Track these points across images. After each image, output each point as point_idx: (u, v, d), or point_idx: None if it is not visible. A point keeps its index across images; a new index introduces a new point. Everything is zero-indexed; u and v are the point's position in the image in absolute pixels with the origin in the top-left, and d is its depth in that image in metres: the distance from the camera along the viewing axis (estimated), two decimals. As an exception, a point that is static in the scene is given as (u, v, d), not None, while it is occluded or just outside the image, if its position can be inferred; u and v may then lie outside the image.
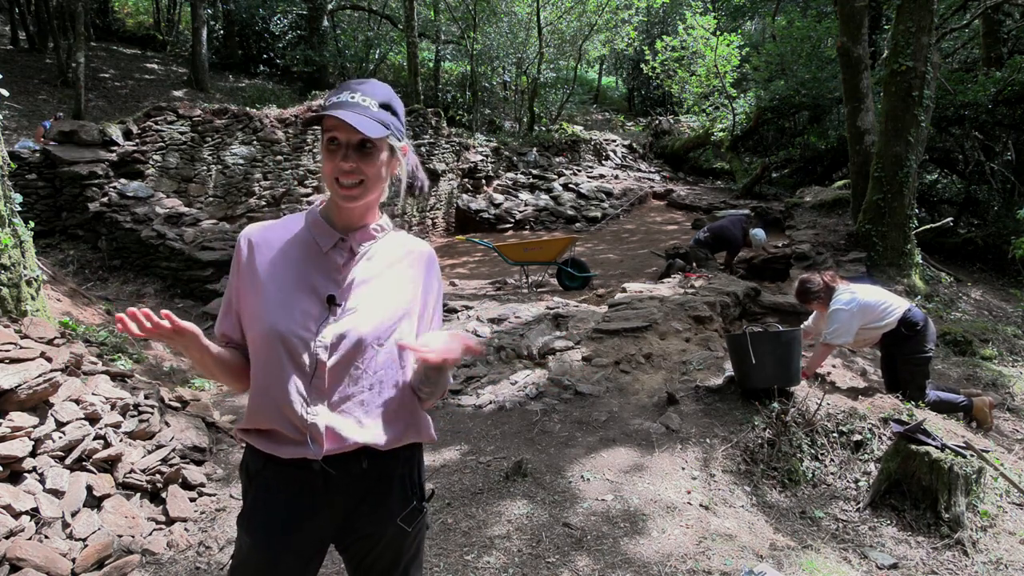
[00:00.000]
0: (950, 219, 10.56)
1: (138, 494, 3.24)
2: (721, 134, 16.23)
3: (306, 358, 1.43)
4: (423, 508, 1.57)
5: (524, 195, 14.71)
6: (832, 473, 3.70)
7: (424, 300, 1.58)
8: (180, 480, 3.44)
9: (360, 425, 1.46)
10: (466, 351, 1.44)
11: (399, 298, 1.52)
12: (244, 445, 1.56)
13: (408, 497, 1.54)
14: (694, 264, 8.35)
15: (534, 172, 15.60)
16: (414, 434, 1.56)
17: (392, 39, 21.07)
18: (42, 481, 2.94)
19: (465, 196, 14.39)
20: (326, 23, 19.66)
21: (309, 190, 11.15)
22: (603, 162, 17.54)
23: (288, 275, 1.48)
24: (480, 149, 14.94)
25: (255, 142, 10.25)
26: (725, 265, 8.72)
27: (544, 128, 18.47)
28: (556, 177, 15.61)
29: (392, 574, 1.57)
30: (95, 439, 3.25)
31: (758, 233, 8.58)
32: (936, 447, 3.41)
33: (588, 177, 16.07)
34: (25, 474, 2.92)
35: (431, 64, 20.75)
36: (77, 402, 3.31)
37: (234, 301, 1.54)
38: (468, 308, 6.33)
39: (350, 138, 1.40)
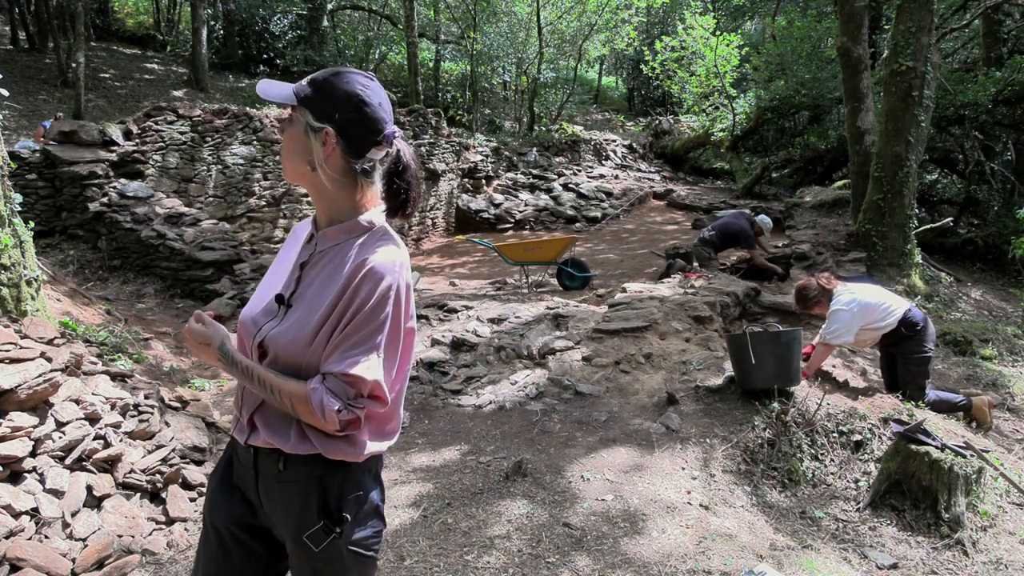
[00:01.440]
0: (950, 219, 10.56)
1: (138, 494, 3.24)
2: (721, 134, 16.22)
3: (247, 353, 1.50)
4: (333, 532, 1.45)
5: (524, 195, 14.71)
6: (832, 473, 3.70)
7: (338, 313, 1.40)
8: (180, 480, 3.44)
9: (267, 426, 1.48)
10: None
11: (323, 312, 1.41)
12: None
13: (318, 514, 1.45)
14: (695, 264, 8.33)
15: (534, 172, 15.60)
16: (321, 449, 1.45)
17: (392, 39, 21.07)
18: (42, 481, 2.94)
19: (465, 196, 14.39)
20: (326, 23, 19.67)
21: (309, 190, 11.15)
22: (603, 162, 17.53)
23: (280, 269, 1.55)
24: (480, 149, 14.94)
25: (255, 142, 10.24)
26: (741, 261, 8.63)
27: (544, 128, 18.47)
28: (556, 177, 15.61)
29: None
30: (95, 439, 3.25)
31: (765, 218, 8.50)
32: (936, 447, 3.41)
33: (588, 177, 16.06)
34: (25, 474, 2.92)
35: (431, 64, 20.74)
36: (77, 402, 3.31)
37: None
38: (468, 308, 6.33)
39: (281, 115, 1.44)
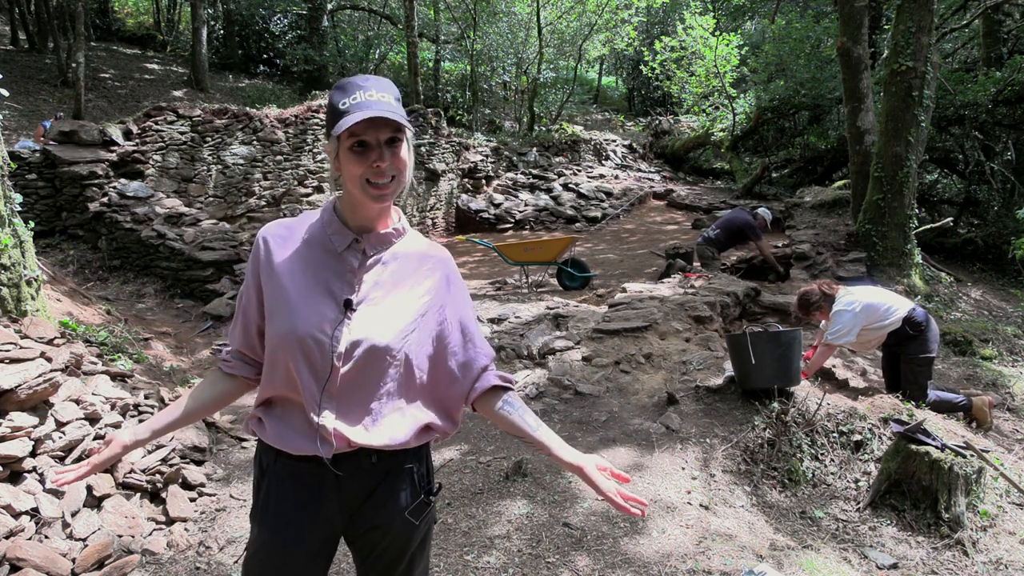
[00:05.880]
0: (950, 219, 10.57)
1: (138, 494, 3.24)
2: (721, 134, 16.22)
3: (320, 362, 1.42)
4: (430, 502, 1.58)
5: (524, 195, 14.70)
6: (832, 473, 3.70)
7: (443, 312, 1.54)
8: (180, 480, 3.44)
9: (370, 430, 1.46)
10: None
11: (414, 307, 1.50)
12: (256, 439, 1.57)
13: (416, 491, 1.55)
14: (695, 263, 8.32)
15: (534, 172, 15.60)
16: (425, 435, 1.55)
17: (392, 39, 21.06)
18: (42, 481, 2.94)
19: (465, 196, 14.38)
20: (326, 23, 19.64)
21: (309, 190, 11.14)
22: (603, 162, 17.53)
23: (305, 275, 1.47)
24: (480, 149, 14.93)
25: (255, 142, 10.24)
26: (741, 261, 8.60)
27: (544, 128, 18.46)
28: (556, 177, 15.60)
29: (398, 566, 1.57)
30: (95, 439, 3.25)
31: (765, 211, 8.46)
32: (936, 447, 3.41)
33: (588, 177, 16.06)
34: (25, 474, 2.92)
35: (431, 64, 20.73)
36: (77, 402, 3.31)
37: (249, 308, 1.52)
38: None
39: (379, 136, 1.37)
